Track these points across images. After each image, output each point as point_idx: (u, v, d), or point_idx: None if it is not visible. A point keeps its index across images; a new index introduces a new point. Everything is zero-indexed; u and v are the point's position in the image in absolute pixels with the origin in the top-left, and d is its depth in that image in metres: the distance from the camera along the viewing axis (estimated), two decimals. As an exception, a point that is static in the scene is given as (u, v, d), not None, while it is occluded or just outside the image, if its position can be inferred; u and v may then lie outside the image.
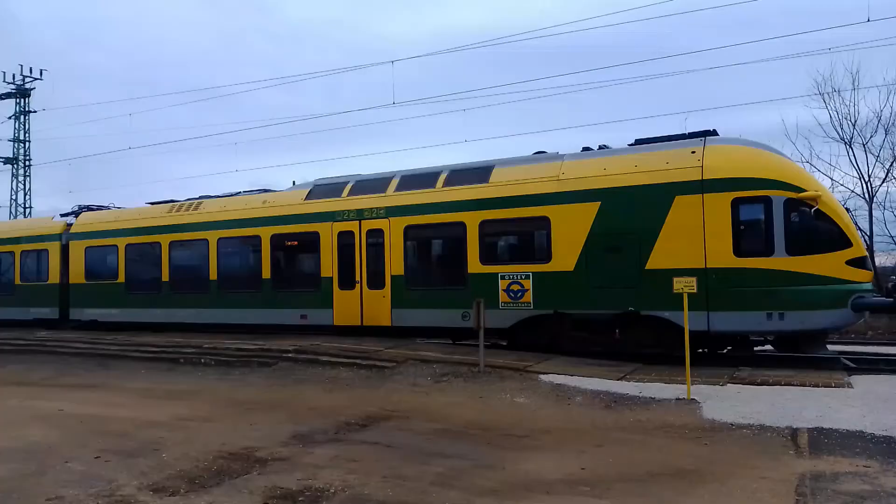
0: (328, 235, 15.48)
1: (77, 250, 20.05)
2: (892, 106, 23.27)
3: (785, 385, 9.73)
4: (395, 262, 14.63)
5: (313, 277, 15.79)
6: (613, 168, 12.53)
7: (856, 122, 23.35)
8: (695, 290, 9.55)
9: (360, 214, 15.13)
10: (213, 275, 17.36)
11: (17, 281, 21.54)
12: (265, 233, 16.46)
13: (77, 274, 19.98)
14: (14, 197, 40.81)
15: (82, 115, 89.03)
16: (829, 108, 23.82)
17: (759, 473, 6.23)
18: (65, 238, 20.55)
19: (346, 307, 15.19)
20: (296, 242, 16.32)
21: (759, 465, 6.52)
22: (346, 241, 15.27)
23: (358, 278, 15.10)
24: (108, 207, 21.49)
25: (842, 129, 23.59)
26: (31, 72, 40.23)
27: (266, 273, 16.48)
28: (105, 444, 8.05)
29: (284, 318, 16.13)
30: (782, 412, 8.35)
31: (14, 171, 40.91)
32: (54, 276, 20.58)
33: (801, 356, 12.67)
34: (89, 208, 21.46)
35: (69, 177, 76.84)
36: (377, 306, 14.79)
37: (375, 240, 14.94)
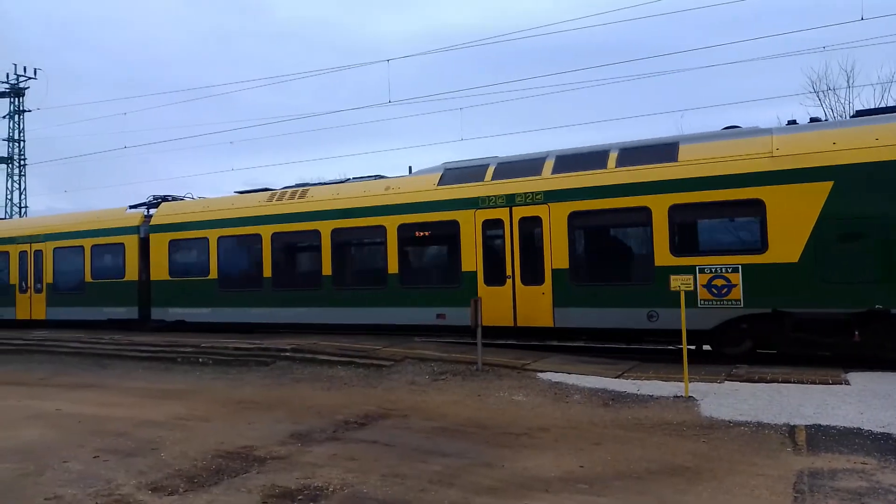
0: (470, 224, 13.78)
1: (159, 244, 18.27)
2: (886, 103, 23.39)
3: (782, 382, 9.75)
4: (557, 254, 12.86)
5: (452, 272, 14.20)
6: (846, 142, 10.84)
7: (851, 119, 23.49)
8: (692, 288, 9.51)
9: (510, 200, 13.37)
10: (327, 269, 15.59)
11: (88, 278, 19.68)
12: (390, 222, 14.74)
13: (160, 270, 18.23)
14: (9, 196, 40.68)
15: (77, 114, 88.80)
16: (824, 105, 24.00)
17: (757, 471, 6.25)
18: (143, 230, 18.79)
19: (495, 305, 13.38)
20: (428, 233, 14.67)
21: (757, 462, 6.54)
22: (492, 230, 13.63)
23: (509, 273, 13.40)
24: (182, 198, 19.85)
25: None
26: (24, 71, 40.22)
27: (392, 267, 14.74)
28: (103, 443, 8.04)
29: (416, 317, 14.42)
30: (780, 409, 8.38)
31: (9, 170, 40.82)
32: (132, 273, 18.77)
33: (797, 354, 12.69)
34: (165, 198, 19.63)
35: (64, 176, 76.68)
36: (535, 304, 13.01)
37: (531, 228, 13.26)
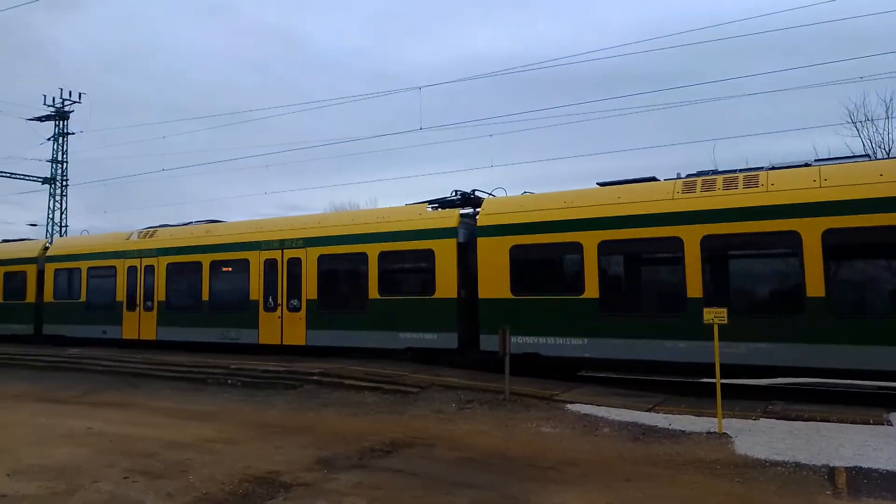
0: None
1: (494, 250, 13.77)
2: (929, 134, 22.82)
3: (821, 421, 9.43)
4: None
5: None
6: None
7: (890, 150, 23.02)
8: (725, 321, 9.27)
9: None
10: (816, 288, 10.76)
11: (374, 294, 15.29)
12: None
13: (494, 284, 13.70)
14: (51, 216, 41.92)
15: (118, 137, 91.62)
16: (861, 136, 23.52)
17: (795, 514, 6.02)
18: (463, 233, 14.52)
19: None
20: None
21: (794, 505, 6.31)
22: None
23: None
24: (490, 194, 15.42)
25: (875, 157, 23.23)
26: (69, 95, 41.55)
27: None
28: (133, 464, 8.13)
29: None
30: (818, 449, 8.09)
31: (52, 190, 42.09)
32: (447, 288, 14.31)
33: (835, 390, 12.33)
34: (472, 194, 15.50)
35: (103, 197, 78.74)
36: None
37: None
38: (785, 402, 10.81)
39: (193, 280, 18.52)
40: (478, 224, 14.25)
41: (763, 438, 8.67)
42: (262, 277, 17.15)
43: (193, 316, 18.41)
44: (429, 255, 14.62)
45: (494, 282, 13.72)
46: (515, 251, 13.52)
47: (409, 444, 9.16)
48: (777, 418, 9.72)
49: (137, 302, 19.68)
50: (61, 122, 42.16)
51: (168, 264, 19.14)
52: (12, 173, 40.07)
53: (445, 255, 14.40)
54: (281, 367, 14.90)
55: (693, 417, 9.92)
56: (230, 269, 17.96)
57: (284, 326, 16.66)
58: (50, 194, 42.06)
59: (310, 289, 16.35)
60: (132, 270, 19.90)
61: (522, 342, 13.15)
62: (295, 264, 16.60)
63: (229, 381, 14.77)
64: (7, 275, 23.30)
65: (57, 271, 21.83)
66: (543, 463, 8.07)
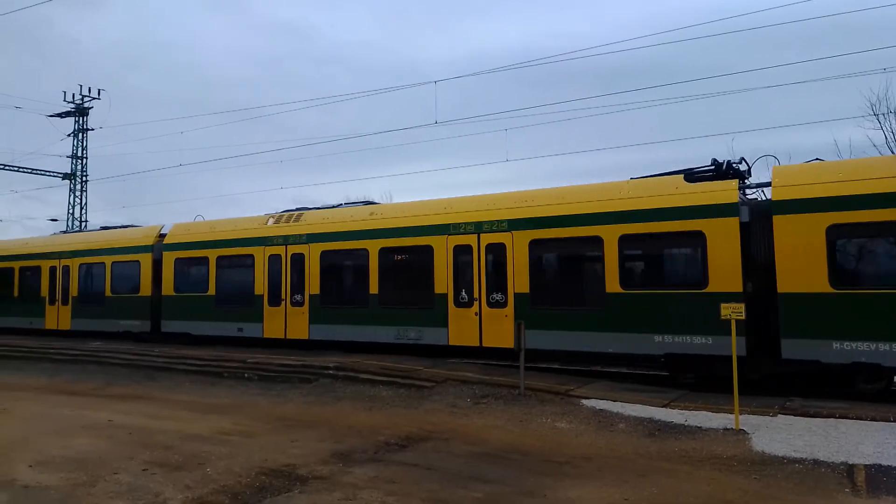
0: None
1: (805, 231, 10.84)
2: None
3: (840, 418, 9.32)
4: None
5: None
6: None
7: (915, 144, 22.60)
8: (743, 317, 9.19)
9: None
10: None
11: (615, 287, 12.54)
12: None
13: (803, 275, 10.82)
14: (71, 210, 42.49)
15: (136, 133, 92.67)
16: (883, 128, 23.15)
17: (813, 512, 5.97)
18: (747, 211, 11.77)
19: None
20: None
21: (812, 502, 6.25)
22: None
23: None
24: (742, 162, 12.71)
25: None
26: (89, 91, 42.03)
27: None
28: (152, 456, 8.24)
29: None
30: (837, 447, 8.01)
31: (72, 186, 42.64)
32: (727, 278, 11.46)
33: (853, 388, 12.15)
34: (728, 164, 12.39)
35: (122, 192, 79.72)
36: None
37: None
38: (803, 399, 10.70)
39: (357, 270, 16.12)
40: (773, 198, 11.26)
41: (781, 435, 8.60)
42: (450, 267, 14.54)
43: (358, 312, 15.78)
44: (696, 238, 11.81)
45: (802, 272, 10.80)
46: (836, 232, 10.64)
47: (424, 439, 9.20)
48: (795, 415, 9.63)
49: (283, 296, 17.09)
50: (81, 119, 42.67)
51: (322, 252, 16.51)
52: (33, 169, 40.73)
53: (722, 239, 11.52)
54: (296, 362, 15.03)
55: (710, 413, 9.86)
56: (406, 256, 15.40)
57: (484, 325, 14.01)
58: (70, 189, 42.63)
59: (519, 280, 13.60)
60: (275, 259, 17.30)
61: (849, 348, 10.36)
62: (496, 251, 13.96)
63: (246, 375, 14.92)
64: (116, 265, 20.97)
65: (178, 261, 19.41)
66: (559, 458, 8.07)
